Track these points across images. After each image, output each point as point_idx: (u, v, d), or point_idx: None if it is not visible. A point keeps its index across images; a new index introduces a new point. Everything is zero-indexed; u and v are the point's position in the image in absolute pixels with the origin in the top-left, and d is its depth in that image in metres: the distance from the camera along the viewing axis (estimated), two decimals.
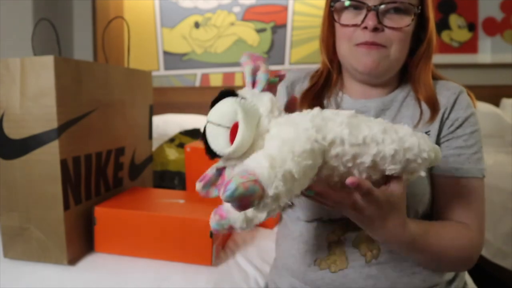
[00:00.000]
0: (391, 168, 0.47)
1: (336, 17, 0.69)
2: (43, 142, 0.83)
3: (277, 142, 0.42)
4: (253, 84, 0.50)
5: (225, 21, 3.19)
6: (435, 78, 0.73)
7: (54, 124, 0.82)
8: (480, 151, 0.68)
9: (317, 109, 0.48)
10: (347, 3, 0.65)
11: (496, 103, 2.98)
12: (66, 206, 0.85)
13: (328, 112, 0.47)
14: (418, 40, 0.70)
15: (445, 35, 3.15)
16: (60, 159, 0.83)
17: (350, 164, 0.46)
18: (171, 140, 1.47)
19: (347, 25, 0.66)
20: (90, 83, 0.93)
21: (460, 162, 0.66)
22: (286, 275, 0.74)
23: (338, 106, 0.72)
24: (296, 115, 0.48)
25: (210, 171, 0.51)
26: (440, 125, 0.68)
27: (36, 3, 2.55)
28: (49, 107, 0.82)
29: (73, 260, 0.89)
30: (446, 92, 0.69)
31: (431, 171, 0.67)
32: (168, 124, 2.77)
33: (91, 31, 3.14)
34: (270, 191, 0.38)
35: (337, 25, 0.69)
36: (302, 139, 0.42)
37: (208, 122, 0.46)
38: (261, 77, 0.50)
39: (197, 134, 1.56)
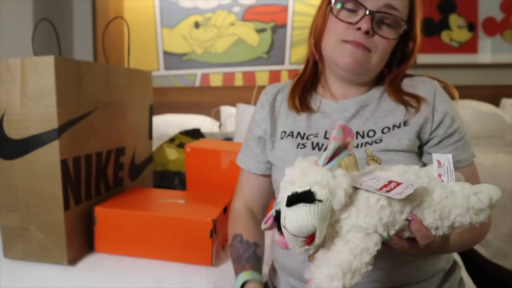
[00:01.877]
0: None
1: (334, 11, 0.71)
2: (44, 142, 0.83)
3: (350, 257, 0.47)
4: (331, 158, 0.49)
5: (225, 21, 3.19)
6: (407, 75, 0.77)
7: (54, 124, 0.82)
8: (466, 134, 0.72)
9: (384, 201, 0.49)
10: (349, 5, 0.69)
11: (496, 103, 2.98)
12: (66, 206, 0.86)
13: (395, 204, 0.49)
14: (394, 54, 0.75)
15: (445, 35, 3.15)
16: (60, 159, 0.83)
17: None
18: (171, 140, 1.47)
19: (342, 21, 0.69)
20: (90, 83, 0.93)
21: (459, 154, 0.69)
22: (283, 274, 0.75)
23: (318, 109, 0.76)
24: (366, 204, 0.49)
25: (273, 213, 0.53)
26: (425, 118, 0.69)
27: (36, 3, 2.55)
28: (50, 107, 0.82)
29: (73, 260, 0.89)
30: (422, 86, 0.72)
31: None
32: (168, 124, 2.77)
33: (91, 31, 3.14)
34: None
35: (330, 19, 0.72)
36: (370, 249, 0.48)
37: (284, 228, 0.47)
38: (342, 154, 0.49)
39: (197, 134, 1.56)
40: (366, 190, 0.49)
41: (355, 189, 0.50)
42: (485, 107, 2.77)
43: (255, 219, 0.79)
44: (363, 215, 0.48)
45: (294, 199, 0.47)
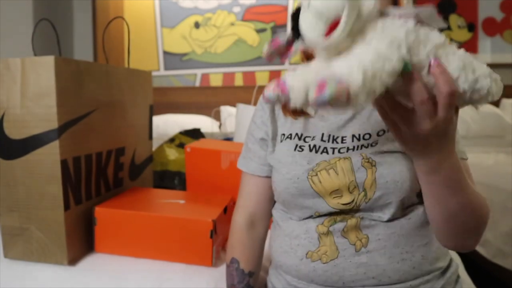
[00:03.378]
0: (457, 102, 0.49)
1: None
2: (44, 142, 0.83)
3: (372, 55, 0.42)
4: None
5: (225, 21, 3.19)
6: None
7: (54, 124, 0.82)
8: (458, 134, 0.70)
9: (411, 24, 0.45)
10: None
11: (496, 103, 2.98)
12: (67, 206, 0.86)
13: (421, 32, 0.45)
14: None
15: (445, 35, 3.15)
16: (61, 159, 0.83)
17: None
18: (171, 140, 1.47)
19: None
20: (90, 83, 0.93)
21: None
22: (281, 273, 0.75)
23: (315, 113, 0.75)
24: (391, 24, 0.45)
25: (281, 39, 0.50)
26: None
27: (36, 4, 2.55)
28: (50, 107, 0.82)
29: (73, 260, 0.89)
30: None
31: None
32: (168, 124, 2.77)
33: (91, 31, 3.15)
34: (354, 105, 0.40)
35: None
36: (394, 58, 0.42)
37: (309, 8, 0.43)
38: None
39: (197, 134, 1.56)
40: (391, 17, 0.45)
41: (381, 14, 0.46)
42: (485, 107, 2.77)
43: (255, 240, 0.79)
44: (389, 30, 0.44)
45: None
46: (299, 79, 0.43)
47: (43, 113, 0.82)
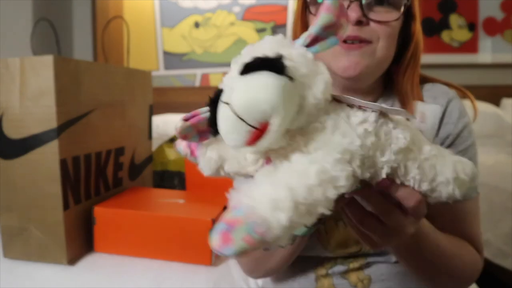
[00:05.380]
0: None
1: (312, 10, 0.60)
2: (43, 142, 0.83)
3: (313, 178, 0.30)
4: (314, 40, 0.35)
5: (225, 21, 3.19)
6: (422, 80, 0.66)
7: (53, 124, 0.82)
8: (474, 158, 0.61)
9: (372, 119, 0.34)
10: None
11: (496, 103, 2.98)
12: (66, 206, 0.85)
13: (383, 131, 0.35)
14: (403, 43, 0.62)
15: (445, 35, 3.15)
16: (60, 159, 0.83)
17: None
18: (171, 140, 1.47)
19: None
20: (90, 83, 0.93)
21: None
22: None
23: None
24: (346, 119, 0.34)
25: (203, 113, 0.38)
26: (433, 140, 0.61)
27: (36, 3, 2.55)
28: (49, 107, 0.81)
29: (72, 260, 0.88)
30: (431, 101, 0.61)
31: None
32: (168, 124, 2.77)
33: (90, 31, 3.14)
34: (273, 247, 0.29)
35: (312, 20, 0.61)
36: (342, 177, 0.31)
37: (227, 103, 0.31)
38: (330, 41, 0.35)
39: None
40: (349, 106, 0.35)
41: (334, 101, 0.36)
42: (485, 107, 2.76)
43: None
44: (341, 133, 0.33)
45: (256, 65, 0.31)
46: (213, 152, 0.37)
47: (42, 112, 0.82)
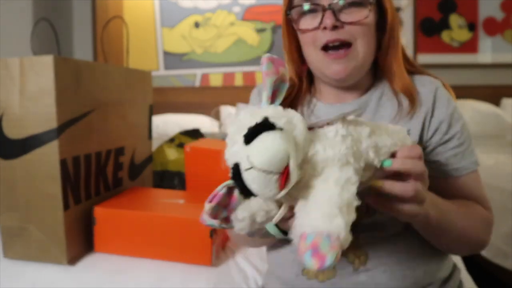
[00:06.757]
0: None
1: (295, 25, 0.68)
2: (43, 142, 0.83)
3: (336, 187, 0.41)
4: (273, 96, 0.45)
5: (225, 21, 3.19)
6: (410, 72, 0.72)
7: (53, 124, 0.82)
8: (470, 143, 0.68)
9: (342, 130, 0.44)
10: (305, 7, 0.65)
11: (496, 103, 2.97)
12: (66, 206, 0.85)
13: (352, 132, 0.46)
14: (383, 33, 0.69)
15: (445, 35, 3.15)
16: (60, 159, 0.83)
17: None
18: (171, 140, 1.47)
19: (307, 30, 0.66)
20: (90, 83, 0.93)
21: (457, 162, 0.67)
22: (277, 282, 0.72)
23: (312, 112, 0.72)
24: (327, 140, 0.44)
25: (221, 190, 0.46)
26: (423, 124, 0.67)
27: (36, 3, 2.55)
28: (49, 107, 0.81)
29: (72, 260, 0.88)
30: (422, 89, 0.68)
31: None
32: (168, 124, 2.77)
33: (90, 31, 3.14)
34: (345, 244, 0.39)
35: (299, 34, 0.69)
36: (352, 178, 0.42)
37: (252, 168, 0.39)
38: (281, 88, 0.45)
39: (197, 134, 1.56)
40: (320, 127, 0.46)
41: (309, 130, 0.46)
42: (485, 107, 2.76)
43: None
44: (329, 147, 0.43)
45: (253, 132, 0.40)
46: (244, 212, 0.45)
47: (42, 112, 0.82)
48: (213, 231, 0.86)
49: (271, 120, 0.40)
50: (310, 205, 0.41)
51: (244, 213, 0.45)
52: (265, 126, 0.40)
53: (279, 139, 0.39)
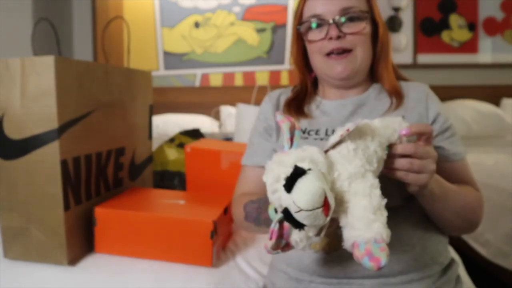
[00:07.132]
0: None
1: (304, 37, 0.83)
2: (44, 142, 0.83)
3: (367, 199, 0.51)
4: (290, 140, 0.56)
5: (225, 21, 3.19)
6: (400, 78, 0.86)
7: (54, 124, 0.82)
8: (457, 133, 0.80)
9: (349, 143, 0.55)
10: (313, 24, 0.79)
11: (496, 103, 2.98)
12: (66, 207, 0.85)
13: (357, 138, 0.56)
14: (377, 44, 0.83)
15: (445, 35, 3.15)
16: (60, 159, 0.83)
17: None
18: (171, 140, 1.47)
19: (315, 41, 0.79)
20: (90, 83, 0.93)
21: (454, 148, 0.77)
22: (281, 269, 0.75)
23: (317, 107, 0.84)
24: (342, 157, 0.54)
25: (274, 226, 0.55)
26: (426, 113, 0.78)
27: (36, 3, 2.55)
28: (49, 107, 0.82)
29: (73, 260, 0.89)
30: (414, 90, 0.81)
31: None
32: (168, 124, 2.77)
33: (90, 31, 3.14)
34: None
35: (307, 44, 0.83)
36: (374, 184, 0.53)
37: (301, 210, 0.49)
38: (296, 134, 0.56)
39: (197, 134, 1.56)
40: (333, 148, 0.56)
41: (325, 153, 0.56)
42: (485, 107, 2.76)
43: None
44: (347, 164, 0.53)
45: (290, 181, 0.50)
46: (298, 235, 0.55)
47: (43, 113, 0.82)
48: (213, 232, 0.86)
49: (300, 164, 0.50)
50: (351, 218, 0.51)
51: (300, 235, 0.55)
52: (298, 172, 0.49)
53: (312, 181, 0.49)
